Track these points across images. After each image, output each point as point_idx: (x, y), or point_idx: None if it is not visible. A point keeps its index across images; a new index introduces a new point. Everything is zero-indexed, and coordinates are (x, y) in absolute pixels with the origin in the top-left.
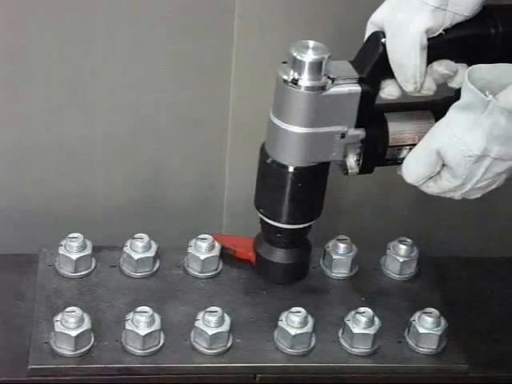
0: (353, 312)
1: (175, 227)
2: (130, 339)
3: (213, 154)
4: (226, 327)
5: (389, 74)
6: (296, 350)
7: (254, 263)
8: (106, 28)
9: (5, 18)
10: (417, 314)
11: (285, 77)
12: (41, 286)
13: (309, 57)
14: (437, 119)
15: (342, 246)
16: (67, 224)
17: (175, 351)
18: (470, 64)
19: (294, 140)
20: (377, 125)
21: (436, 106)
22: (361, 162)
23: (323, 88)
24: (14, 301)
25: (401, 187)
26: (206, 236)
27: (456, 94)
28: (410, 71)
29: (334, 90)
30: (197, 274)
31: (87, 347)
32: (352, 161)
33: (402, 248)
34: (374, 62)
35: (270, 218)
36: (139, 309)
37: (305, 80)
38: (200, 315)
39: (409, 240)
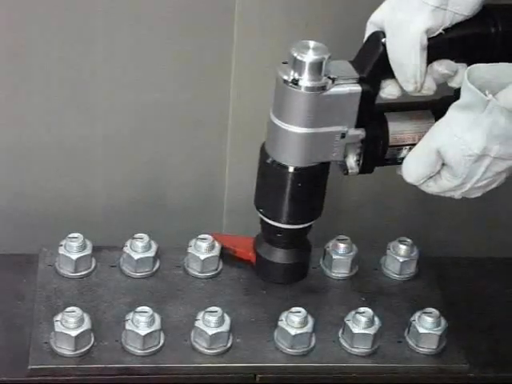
0: (353, 312)
1: (175, 227)
2: (130, 339)
3: (213, 154)
4: (225, 327)
5: (389, 73)
6: (296, 349)
7: (254, 263)
8: (105, 28)
9: (5, 18)
10: (417, 314)
11: (285, 77)
12: (41, 286)
13: (309, 57)
14: (437, 119)
15: (342, 245)
16: (67, 224)
17: (175, 351)
18: (469, 63)
19: (294, 140)
20: (377, 125)
21: (436, 106)
22: (361, 161)
23: (323, 88)
24: (14, 301)
25: (401, 187)
26: (206, 236)
27: (455, 94)
28: (410, 71)
29: (335, 90)
30: (197, 274)
31: (87, 347)
32: (352, 161)
33: (402, 248)
34: (374, 62)
35: (270, 218)
36: (139, 309)
37: (305, 80)
38: (200, 315)
39: (409, 240)
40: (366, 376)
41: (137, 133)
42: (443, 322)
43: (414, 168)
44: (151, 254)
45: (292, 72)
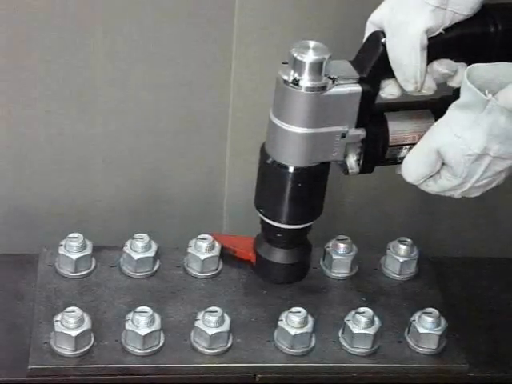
0: (353, 312)
1: (175, 227)
2: (130, 339)
3: (213, 155)
4: (225, 327)
5: (389, 73)
6: (296, 350)
7: (254, 263)
8: (105, 28)
9: (5, 18)
10: (417, 314)
11: (285, 77)
12: (41, 286)
13: (309, 57)
14: (436, 118)
15: (342, 245)
16: (67, 224)
17: (175, 351)
18: (469, 63)
19: (295, 140)
20: (377, 124)
21: (435, 105)
22: (361, 161)
23: (324, 88)
24: (14, 301)
25: (401, 187)
26: (206, 236)
27: (455, 93)
28: (410, 71)
29: (335, 90)
30: (197, 274)
31: (87, 347)
32: (352, 160)
33: (402, 248)
34: (374, 62)
35: (270, 218)
36: (139, 309)
37: (305, 80)
38: (200, 315)
39: (409, 240)
40: (365, 376)
41: (137, 133)
42: (443, 322)
43: (413, 167)
44: (151, 254)
45: (292, 72)
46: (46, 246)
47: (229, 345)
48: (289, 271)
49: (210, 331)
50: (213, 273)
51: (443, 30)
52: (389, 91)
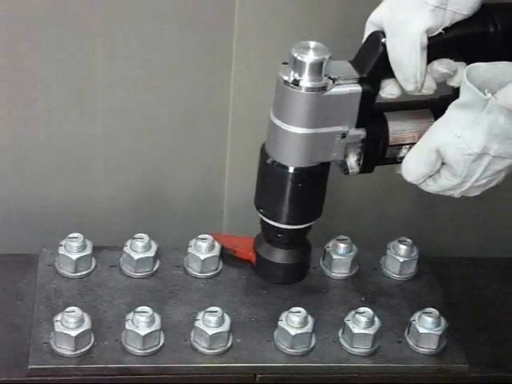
0: (353, 312)
1: (175, 227)
2: (130, 339)
3: (213, 155)
4: (225, 327)
5: (389, 73)
6: (296, 349)
7: (254, 263)
8: (105, 28)
9: (5, 18)
10: (417, 314)
11: (285, 77)
12: (41, 286)
13: (309, 57)
14: (436, 118)
15: (342, 245)
16: (67, 224)
17: (175, 351)
18: (469, 63)
19: (295, 141)
20: (377, 124)
21: (435, 105)
22: (361, 161)
23: (324, 88)
24: (14, 301)
25: (401, 187)
26: (206, 236)
27: (454, 93)
28: (410, 71)
29: (335, 90)
30: (197, 274)
31: (87, 347)
32: (352, 160)
33: (402, 248)
34: (374, 62)
35: (270, 219)
36: (139, 309)
37: (305, 81)
38: (200, 315)
39: (409, 240)
40: (365, 376)
41: (137, 133)
42: (443, 322)
43: (413, 167)
44: (151, 254)
45: (292, 72)
46: (46, 246)
47: (229, 345)
48: (289, 271)
49: (210, 331)
50: (213, 273)
51: (443, 29)
52: (389, 91)
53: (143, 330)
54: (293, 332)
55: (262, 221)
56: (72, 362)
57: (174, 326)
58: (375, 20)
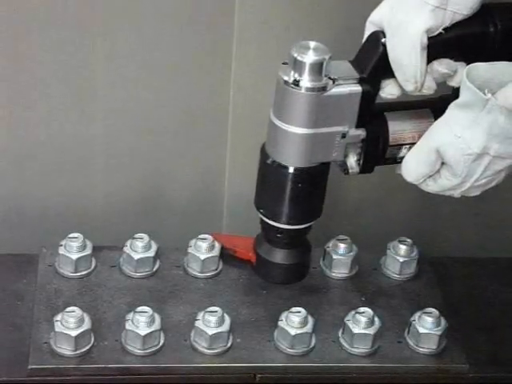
0: (353, 312)
1: (175, 227)
2: (130, 339)
3: (213, 154)
4: (225, 327)
5: (389, 73)
6: (296, 349)
7: (254, 263)
8: (105, 28)
9: (5, 18)
10: (417, 314)
11: (285, 78)
12: (41, 286)
13: (309, 58)
14: (436, 118)
15: (342, 245)
16: (67, 224)
17: (175, 351)
18: (469, 62)
19: (295, 141)
20: (377, 124)
21: (435, 105)
22: (361, 161)
23: (324, 89)
24: (14, 301)
25: (401, 187)
26: (206, 236)
27: (454, 93)
28: (410, 71)
29: (335, 90)
30: (197, 274)
31: (87, 347)
32: (352, 160)
33: (402, 248)
34: (374, 62)
35: (270, 219)
36: (139, 309)
37: (305, 81)
38: (200, 315)
39: (409, 240)
40: (365, 376)
41: (137, 133)
42: (443, 322)
43: (413, 167)
44: (151, 254)
45: (292, 73)
46: (46, 246)
47: (229, 345)
48: (289, 271)
49: (210, 331)
50: (213, 273)
51: (443, 29)
52: (389, 91)
53: (143, 330)
54: (293, 332)
55: (262, 221)
56: (72, 361)
57: (174, 326)
58: (375, 20)
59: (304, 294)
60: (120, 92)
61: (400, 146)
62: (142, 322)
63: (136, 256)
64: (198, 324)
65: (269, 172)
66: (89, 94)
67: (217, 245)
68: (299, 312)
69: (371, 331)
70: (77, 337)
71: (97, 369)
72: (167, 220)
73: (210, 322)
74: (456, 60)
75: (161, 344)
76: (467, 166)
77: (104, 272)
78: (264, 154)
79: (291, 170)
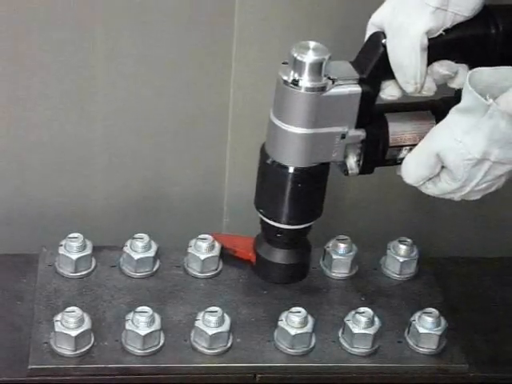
0: (353, 312)
1: (175, 227)
2: (130, 339)
3: (213, 154)
4: (225, 327)
5: (389, 74)
6: (296, 349)
7: (254, 263)
8: (106, 28)
9: (5, 18)
10: (417, 314)
11: (285, 77)
12: (41, 286)
13: (309, 57)
14: (437, 120)
15: (342, 245)
16: (67, 224)
17: (175, 351)
18: (470, 64)
19: (295, 141)
20: (377, 125)
21: (436, 107)
22: (361, 162)
23: (323, 89)
24: (14, 301)
25: (401, 187)
26: (206, 236)
27: (456, 95)
28: (410, 72)
29: (335, 90)
30: (197, 274)
31: (87, 347)
32: (352, 161)
33: (402, 248)
34: (374, 63)
35: (270, 219)
36: (139, 309)
37: (305, 81)
38: (200, 315)
39: (409, 240)
40: (365, 376)
41: (137, 133)
42: (443, 322)
43: (413, 169)
44: (151, 254)
45: (292, 72)
46: (46, 246)
47: (229, 345)
48: (289, 271)
49: (210, 331)
50: (213, 273)
51: (444, 31)
52: (389, 92)
53: (143, 330)
54: (293, 332)
55: (262, 221)
56: (72, 362)
57: (174, 326)
58: (376, 21)
59: (304, 293)
60: (120, 92)
61: (400, 147)
62: (141, 322)
63: (136, 256)
64: (198, 324)
65: (269, 172)
66: (89, 94)
67: (217, 245)
68: (299, 312)
69: (371, 331)
70: (77, 337)
71: (97, 369)
72: (167, 220)
73: (210, 322)
74: (457, 62)
75: (161, 344)
76: (467, 171)
77: (104, 272)
78: (264, 153)
79: (291, 170)
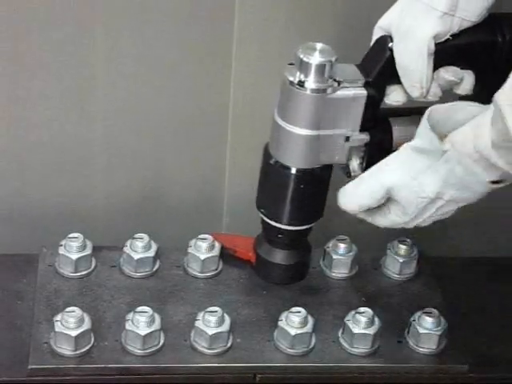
0: (353, 312)
1: (175, 227)
2: (130, 339)
3: (213, 154)
4: (225, 327)
5: (395, 78)
6: (296, 349)
7: (254, 263)
8: (106, 28)
9: (5, 18)
10: (417, 314)
11: (291, 78)
12: (41, 286)
13: (315, 59)
14: None
15: (342, 245)
16: (67, 224)
17: (175, 351)
18: (475, 71)
19: (298, 142)
20: (381, 129)
21: None
22: (364, 165)
23: (329, 91)
24: (14, 301)
25: None
26: (206, 236)
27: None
28: (416, 76)
29: (340, 93)
30: (197, 274)
31: (87, 347)
32: (355, 164)
33: (402, 248)
34: (380, 67)
35: (271, 219)
36: (139, 309)
37: (311, 82)
38: (200, 315)
39: (409, 240)
40: (365, 376)
41: (137, 133)
42: (443, 322)
43: (356, 199)
44: (151, 254)
45: (298, 73)
46: (46, 246)
47: (229, 345)
48: (289, 272)
49: (210, 331)
50: (213, 273)
51: (451, 36)
52: (394, 98)
53: (143, 330)
54: (293, 332)
55: (263, 221)
56: (72, 362)
57: (174, 326)
58: (384, 25)
59: (304, 293)
60: (120, 92)
61: None
62: (141, 322)
63: (136, 256)
64: (198, 324)
65: (271, 172)
66: (89, 94)
67: (217, 245)
68: (299, 312)
69: (371, 331)
70: (77, 337)
71: (97, 369)
72: (167, 220)
73: (210, 322)
74: (463, 68)
75: (161, 344)
76: (419, 208)
77: (104, 272)
78: (267, 154)
79: (293, 170)
